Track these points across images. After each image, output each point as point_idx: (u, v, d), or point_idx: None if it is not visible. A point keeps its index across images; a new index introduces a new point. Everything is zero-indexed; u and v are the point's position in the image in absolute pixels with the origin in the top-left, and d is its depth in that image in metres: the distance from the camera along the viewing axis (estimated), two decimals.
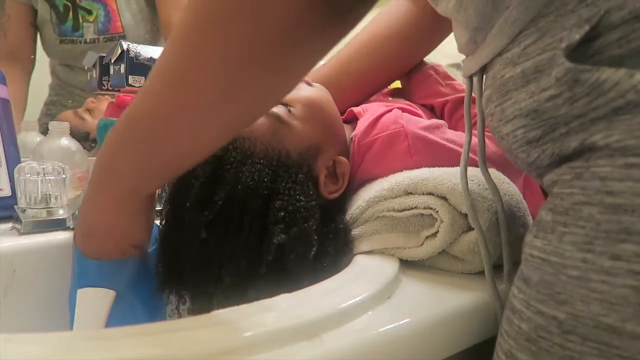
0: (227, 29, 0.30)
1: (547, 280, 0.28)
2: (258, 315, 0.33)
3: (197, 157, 0.40)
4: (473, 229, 0.45)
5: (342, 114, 0.64)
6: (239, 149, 0.49)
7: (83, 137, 0.96)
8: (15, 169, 0.61)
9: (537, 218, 0.31)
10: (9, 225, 0.62)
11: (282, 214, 0.46)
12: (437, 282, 0.46)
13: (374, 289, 0.39)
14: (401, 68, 0.72)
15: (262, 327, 0.31)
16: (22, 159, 0.69)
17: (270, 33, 0.30)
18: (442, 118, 0.67)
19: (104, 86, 0.83)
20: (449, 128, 0.59)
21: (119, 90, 0.79)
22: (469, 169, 0.46)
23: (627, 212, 0.24)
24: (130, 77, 0.71)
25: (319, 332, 0.32)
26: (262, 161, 0.49)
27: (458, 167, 0.46)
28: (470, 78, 0.42)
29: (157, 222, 0.51)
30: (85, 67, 0.88)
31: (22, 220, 0.58)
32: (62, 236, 0.58)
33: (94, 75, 0.84)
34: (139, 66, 0.72)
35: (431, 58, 0.73)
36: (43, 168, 0.60)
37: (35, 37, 1.23)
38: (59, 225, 0.60)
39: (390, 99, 0.75)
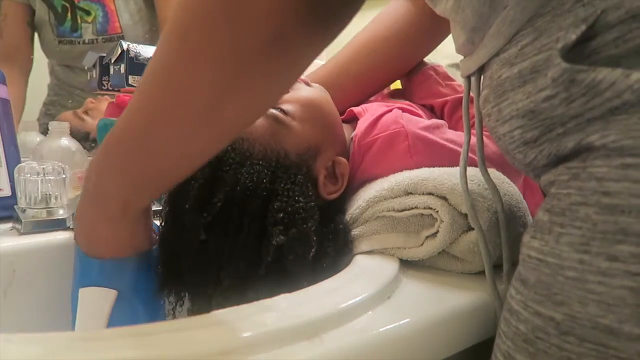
0: (212, 36, 0.30)
1: (544, 281, 0.28)
2: (258, 315, 0.33)
3: (190, 168, 0.39)
4: (473, 229, 0.45)
5: (342, 114, 0.64)
6: (238, 150, 0.49)
7: (83, 138, 0.96)
8: (15, 169, 0.61)
9: (534, 218, 0.31)
10: (9, 225, 0.62)
11: (281, 215, 0.46)
12: (437, 282, 0.46)
13: (374, 289, 0.39)
14: (401, 68, 0.72)
15: (262, 327, 0.32)
16: (22, 159, 0.69)
17: (255, 40, 0.29)
18: (442, 118, 0.67)
19: (104, 86, 0.83)
20: (449, 128, 0.59)
21: (119, 90, 0.79)
22: (469, 169, 0.46)
23: (623, 213, 0.24)
24: (130, 77, 0.71)
25: (319, 332, 0.32)
26: (260, 162, 0.49)
27: (458, 167, 0.46)
28: (468, 78, 0.42)
29: (157, 222, 0.51)
30: (85, 67, 0.88)
31: (22, 220, 0.58)
32: (62, 236, 0.58)
33: (94, 75, 0.84)
34: (139, 66, 0.72)
35: (431, 58, 0.74)
36: (43, 168, 0.60)
37: (33, 37, 1.23)
38: (59, 225, 0.60)
39: (390, 99, 0.75)
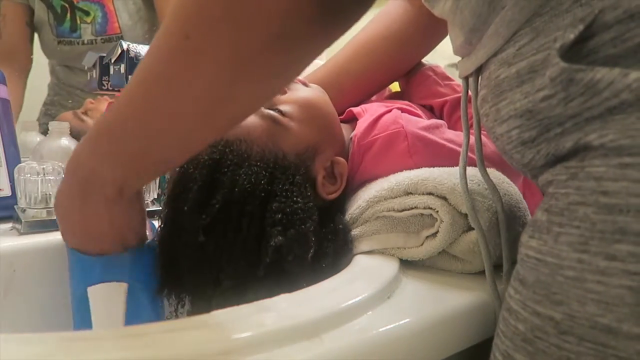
0: (214, 33, 0.30)
1: (543, 281, 0.28)
2: (258, 315, 0.33)
3: (186, 156, 0.40)
4: (473, 229, 0.45)
5: (341, 114, 0.64)
6: (236, 152, 0.49)
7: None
8: (15, 169, 0.61)
9: (532, 218, 0.31)
10: (9, 225, 0.62)
11: (280, 216, 0.46)
12: (437, 282, 0.46)
13: (374, 289, 0.39)
14: (400, 68, 0.72)
15: (262, 327, 0.32)
16: (22, 159, 0.69)
17: (258, 37, 0.29)
18: (441, 118, 0.67)
19: (104, 86, 0.83)
20: (449, 128, 0.59)
21: (119, 90, 0.79)
22: (469, 169, 0.46)
23: (622, 212, 0.24)
24: (130, 77, 0.71)
25: (319, 332, 0.32)
26: (258, 164, 0.49)
27: (458, 167, 0.46)
28: (467, 79, 0.42)
29: (156, 223, 0.51)
30: (85, 67, 0.88)
31: (22, 220, 0.58)
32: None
33: (94, 75, 0.84)
34: None
35: (429, 59, 0.74)
36: (43, 168, 0.60)
37: (32, 37, 1.22)
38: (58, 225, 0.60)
39: (389, 100, 0.75)
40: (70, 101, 1.23)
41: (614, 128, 0.25)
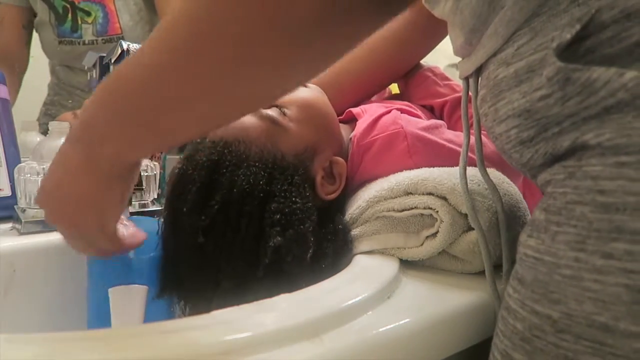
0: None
1: (541, 280, 0.28)
2: (258, 315, 0.33)
3: (193, 132, 0.37)
4: (473, 229, 0.45)
5: (340, 114, 0.64)
6: (234, 152, 0.49)
7: None
8: (15, 169, 0.61)
9: (531, 217, 0.31)
10: (9, 225, 0.62)
11: (278, 216, 0.46)
12: (437, 282, 0.46)
13: (374, 289, 0.39)
14: (400, 68, 0.72)
15: (262, 327, 0.32)
16: (22, 159, 0.69)
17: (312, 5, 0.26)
18: (441, 118, 0.67)
19: None
20: (449, 128, 0.59)
21: None
22: (469, 169, 0.46)
23: (618, 211, 0.24)
24: None
25: (319, 332, 0.32)
26: (257, 164, 0.49)
27: (458, 167, 0.46)
28: (467, 79, 0.42)
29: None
30: (86, 67, 0.88)
31: (22, 220, 0.58)
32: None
33: (94, 75, 0.84)
34: None
35: (430, 58, 0.74)
36: (43, 168, 0.60)
37: (29, 40, 1.23)
38: None
39: (389, 100, 0.75)
40: (70, 101, 1.24)
41: (611, 127, 0.25)
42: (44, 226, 0.59)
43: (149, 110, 0.34)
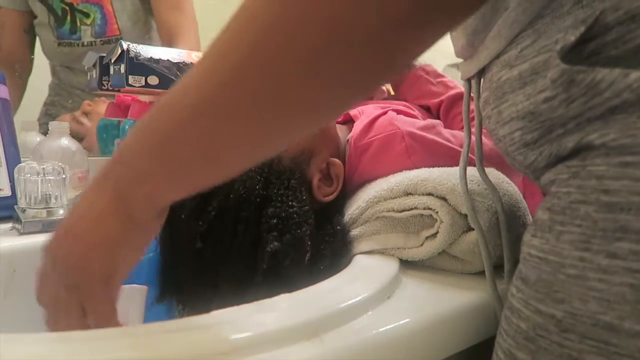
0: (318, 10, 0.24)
1: (545, 279, 0.28)
2: (258, 315, 0.33)
3: (243, 164, 0.33)
4: (473, 229, 0.45)
5: None
6: None
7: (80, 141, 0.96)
8: (15, 169, 0.61)
9: (534, 217, 0.31)
10: (9, 225, 0.62)
11: (275, 221, 0.46)
12: (437, 282, 0.46)
13: (374, 289, 0.39)
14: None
15: (262, 327, 0.31)
16: (22, 159, 0.69)
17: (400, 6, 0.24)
18: (438, 117, 0.67)
19: (104, 86, 0.83)
20: (445, 127, 0.59)
21: (119, 90, 0.79)
22: (469, 169, 0.46)
23: (623, 211, 0.24)
24: (130, 77, 0.72)
25: (319, 332, 0.32)
26: (253, 169, 0.49)
27: (457, 167, 0.46)
28: (469, 81, 0.42)
29: None
30: (86, 67, 0.88)
31: (22, 220, 0.58)
32: None
33: (94, 75, 0.84)
34: (139, 66, 0.72)
35: (429, 58, 0.73)
36: (43, 168, 0.60)
37: (31, 44, 1.23)
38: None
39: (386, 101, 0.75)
40: (70, 101, 1.24)
41: (615, 127, 0.25)
42: (44, 226, 0.59)
43: (195, 145, 0.30)
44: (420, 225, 0.48)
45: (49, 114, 1.25)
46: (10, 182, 0.66)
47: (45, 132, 0.83)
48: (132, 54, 0.71)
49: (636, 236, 0.24)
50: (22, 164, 0.61)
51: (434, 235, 0.47)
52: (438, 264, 0.49)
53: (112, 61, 0.75)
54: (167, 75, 0.73)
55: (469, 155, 0.46)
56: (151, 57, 0.72)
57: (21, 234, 0.58)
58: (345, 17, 0.24)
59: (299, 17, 0.25)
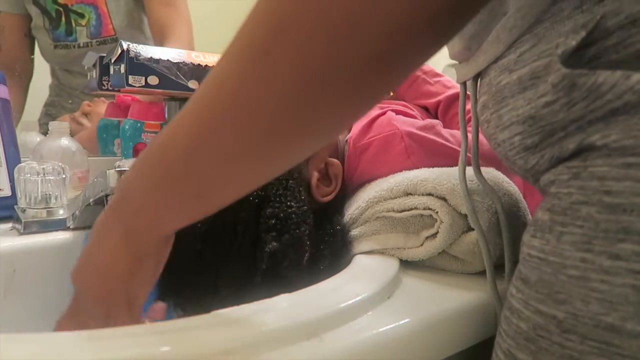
0: (308, 43, 0.24)
1: (545, 280, 0.28)
2: (258, 315, 0.33)
3: (237, 194, 0.33)
4: (473, 229, 0.45)
5: None
6: None
7: None
8: (15, 169, 0.61)
9: (534, 218, 0.31)
10: (9, 225, 0.62)
11: (274, 221, 0.46)
12: (437, 282, 0.46)
13: (374, 289, 0.39)
14: None
15: (262, 327, 0.31)
16: (22, 159, 0.69)
17: (373, 40, 0.23)
18: (436, 117, 0.67)
19: (104, 86, 0.83)
20: (444, 126, 0.59)
21: (119, 90, 0.79)
22: (468, 168, 0.46)
23: (625, 212, 0.24)
24: (130, 77, 0.71)
25: (319, 332, 0.32)
26: None
27: (457, 167, 0.46)
28: (464, 83, 0.42)
29: None
30: (86, 67, 0.88)
31: (22, 220, 0.58)
32: (62, 236, 0.58)
33: (94, 75, 0.84)
34: (139, 66, 0.72)
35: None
36: (43, 168, 0.60)
37: (32, 47, 1.23)
38: (59, 225, 0.60)
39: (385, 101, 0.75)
40: (70, 102, 1.24)
41: (617, 129, 0.25)
42: (44, 226, 0.59)
43: (187, 183, 0.31)
44: (420, 226, 0.48)
45: (49, 114, 1.25)
46: (10, 182, 0.66)
47: (45, 132, 0.83)
48: (132, 54, 0.71)
49: (639, 237, 0.24)
50: (22, 164, 0.60)
51: (434, 235, 0.47)
52: (438, 264, 0.49)
53: (112, 61, 0.75)
54: (167, 75, 0.73)
55: (469, 155, 0.46)
56: (151, 57, 0.72)
57: (21, 234, 0.58)
58: (327, 56, 0.24)
59: (280, 59, 0.25)
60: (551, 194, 0.29)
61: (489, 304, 0.42)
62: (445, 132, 0.57)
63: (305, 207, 0.49)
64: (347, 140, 0.59)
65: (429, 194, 0.47)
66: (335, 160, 0.56)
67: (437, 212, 0.46)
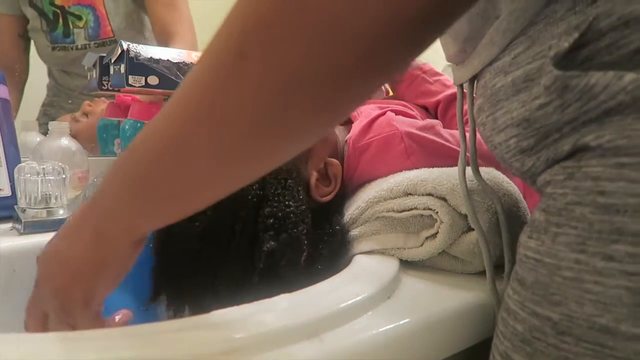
0: (283, 48, 0.23)
1: (541, 281, 0.28)
2: (258, 315, 0.33)
3: (212, 197, 0.33)
4: (473, 229, 0.45)
5: None
6: None
7: None
8: (15, 169, 0.61)
9: (531, 218, 0.31)
10: (9, 225, 0.62)
11: (272, 220, 0.46)
12: (437, 282, 0.46)
13: (374, 289, 0.39)
14: None
15: (262, 327, 0.32)
16: (22, 159, 0.69)
17: (346, 59, 0.23)
18: (436, 117, 0.67)
19: (104, 86, 0.83)
20: (444, 126, 0.59)
21: (119, 90, 0.79)
22: (468, 169, 0.46)
23: (619, 213, 0.24)
24: (130, 77, 0.71)
25: (319, 332, 0.32)
26: None
27: (456, 167, 0.46)
28: (461, 85, 0.42)
29: None
30: (85, 67, 0.88)
31: (22, 220, 0.58)
32: None
33: (94, 75, 0.84)
34: (139, 66, 0.72)
35: (428, 59, 0.74)
36: (43, 168, 0.60)
37: (27, 48, 1.23)
38: (59, 225, 0.59)
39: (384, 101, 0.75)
40: (69, 102, 1.24)
41: (611, 129, 0.25)
42: (44, 226, 0.59)
43: (161, 185, 0.31)
44: (420, 226, 0.48)
45: (47, 114, 1.25)
46: (10, 182, 0.66)
47: (45, 132, 0.83)
48: (132, 54, 0.71)
49: (632, 238, 0.24)
50: (22, 164, 0.61)
51: (434, 235, 0.47)
52: (438, 264, 0.49)
53: (112, 61, 0.75)
54: (167, 75, 0.73)
55: (469, 155, 0.46)
56: (151, 57, 0.72)
57: (21, 234, 0.58)
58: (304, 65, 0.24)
59: (258, 69, 0.25)
60: (547, 195, 0.29)
61: (488, 304, 0.42)
62: (445, 132, 0.57)
63: (304, 207, 0.49)
64: (346, 141, 0.59)
65: (429, 194, 0.47)
66: (335, 160, 0.56)
67: (437, 212, 0.46)
